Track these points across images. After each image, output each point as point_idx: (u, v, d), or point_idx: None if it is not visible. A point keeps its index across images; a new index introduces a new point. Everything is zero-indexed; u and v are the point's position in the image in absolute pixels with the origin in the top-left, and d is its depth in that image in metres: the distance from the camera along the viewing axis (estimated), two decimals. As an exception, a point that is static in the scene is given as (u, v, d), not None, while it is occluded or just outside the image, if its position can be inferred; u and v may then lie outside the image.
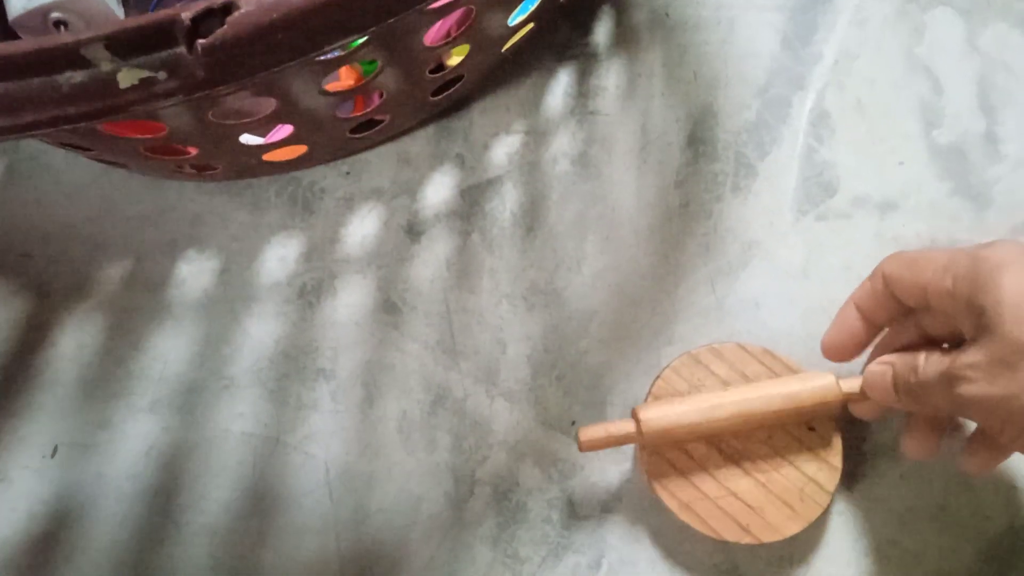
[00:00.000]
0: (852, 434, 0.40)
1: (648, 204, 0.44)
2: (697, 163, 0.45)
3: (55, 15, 0.38)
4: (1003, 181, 0.44)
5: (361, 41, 0.33)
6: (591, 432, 0.36)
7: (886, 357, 0.35)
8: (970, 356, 0.30)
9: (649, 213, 0.44)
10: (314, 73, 0.34)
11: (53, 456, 0.41)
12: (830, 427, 0.38)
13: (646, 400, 0.39)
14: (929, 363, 0.32)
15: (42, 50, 0.27)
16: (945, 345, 0.36)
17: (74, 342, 0.42)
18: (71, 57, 0.27)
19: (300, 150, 0.42)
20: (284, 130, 0.40)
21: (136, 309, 0.43)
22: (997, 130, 0.45)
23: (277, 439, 0.41)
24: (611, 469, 0.40)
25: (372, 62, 0.38)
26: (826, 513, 0.38)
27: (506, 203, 0.44)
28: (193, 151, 0.40)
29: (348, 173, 0.45)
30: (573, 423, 0.41)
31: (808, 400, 0.36)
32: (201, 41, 0.27)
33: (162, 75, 0.27)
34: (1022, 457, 0.39)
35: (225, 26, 0.27)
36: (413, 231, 0.44)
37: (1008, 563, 0.39)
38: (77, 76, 0.27)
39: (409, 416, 0.41)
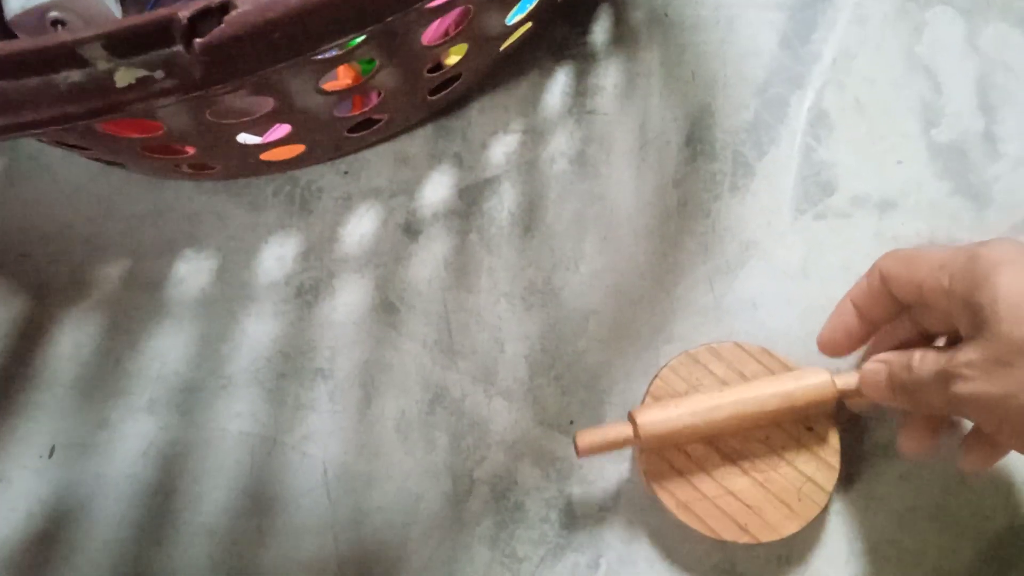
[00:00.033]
0: (850, 434, 0.40)
1: (646, 203, 0.44)
2: (695, 162, 0.45)
3: (53, 14, 0.38)
4: (1003, 180, 0.44)
5: (359, 40, 0.33)
6: (588, 437, 0.36)
7: (882, 355, 0.35)
8: (966, 354, 0.30)
9: (647, 212, 0.44)
10: (312, 72, 0.34)
11: (51, 456, 0.41)
12: (828, 426, 0.38)
13: (644, 400, 0.39)
14: (924, 361, 0.32)
15: (39, 49, 0.27)
16: (939, 343, 0.36)
17: (72, 341, 0.42)
18: (68, 56, 0.27)
19: (298, 149, 0.42)
20: (282, 129, 0.40)
21: (134, 308, 0.43)
22: (996, 129, 0.45)
23: (275, 439, 0.41)
24: (609, 469, 0.40)
25: (370, 61, 0.38)
26: (824, 513, 0.38)
27: (504, 202, 0.44)
28: (191, 150, 0.40)
29: (346, 172, 0.45)
30: (571, 422, 0.41)
31: (804, 398, 0.36)
32: (198, 40, 0.27)
33: (159, 74, 0.27)
34: (1021, 456, 0.39)
35: (222, 25, 0.27)
36: (411, 230, 0.44)
37: (1008, 563, 0.39)
38: (74, 75, 0.27)
39: (407, 416, 0.41)
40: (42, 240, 0.44)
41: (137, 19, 0.26)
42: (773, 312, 0.42)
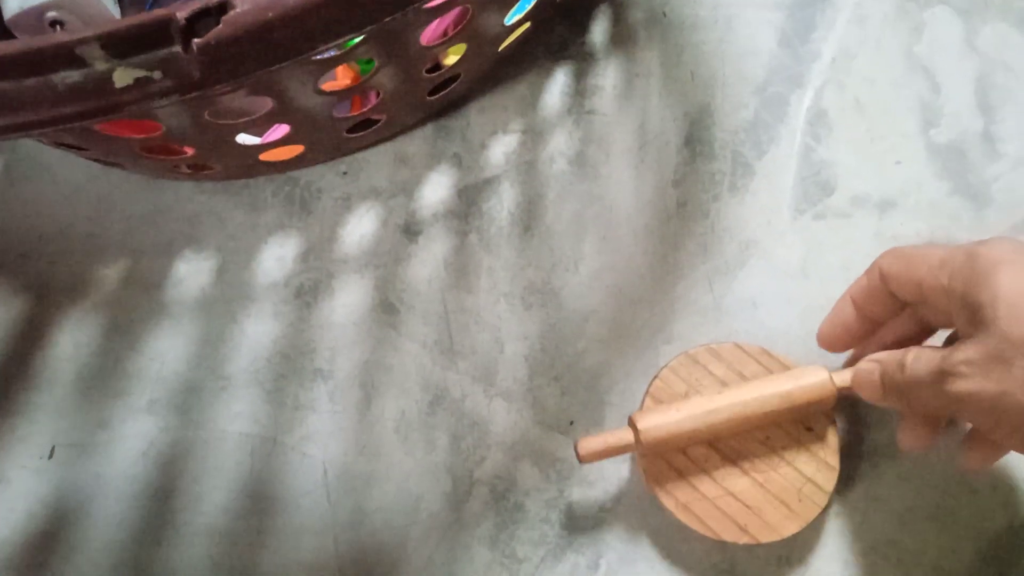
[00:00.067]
0: (850, 434, 0.40)
1: (646, 204, 0.44)
2: (695, 162, 0.45)
3: (51, 14, 0.38)
4: (1002, 180, 0.44)
5: (357, 40, 0.33)
6: (590, 444, 0.36)
7: (874, 355, 0.35)
8: (964, 352, 0.30)
9: (647, 213, 0.44)
10: (310, 72, 0.34)
11: (51, 456, 0.41)
12: (828, 427, 0.38)
13: (643, 400, 0.39)
14: (918, 361, 0.32)
15: (37, 49, 0.27)
16: (935, 341, 0.36)
17: (72, 342, 0.42)
18: (66, 57, 0.27)
19: (297, 150, 0.42)
20: (281, 130, 0.40)
21: (134, 309, 0.43)
22: (996, 129, 0.45)
23: (275, 439, 0.41)
24: (609, 469, 0.40)
25: (369, 61, 0.38)
26: (824, 513, 0.38)
27: (503, 203, 0.44)
28: (190, 151, 0.40)
29: (345, 173, 0.45)
30: (571, 423, 0.41)
31: (804, 397, 0.36)
32: (196, 40, 0.27)
33: (157, 75, 0.27)
34: (1021, 456, 0.39)
35: (220, 25, 0.27)
36: (410, 231, 0.44)
37: (1008, 563, 0.38)
38: (72, 76, 0.27)
39: (407, 416, 0.41)
40: (41, 240, 0.44)
41: (135, 19, 0.26)
42: (773, 312, 0.42)
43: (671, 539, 0.39)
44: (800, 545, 0.39)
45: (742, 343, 0.39)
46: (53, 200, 0.45)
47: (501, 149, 0.45)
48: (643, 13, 0.48)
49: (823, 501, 0.37)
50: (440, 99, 0.44)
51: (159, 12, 0.26)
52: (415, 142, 0.46)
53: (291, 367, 0.42)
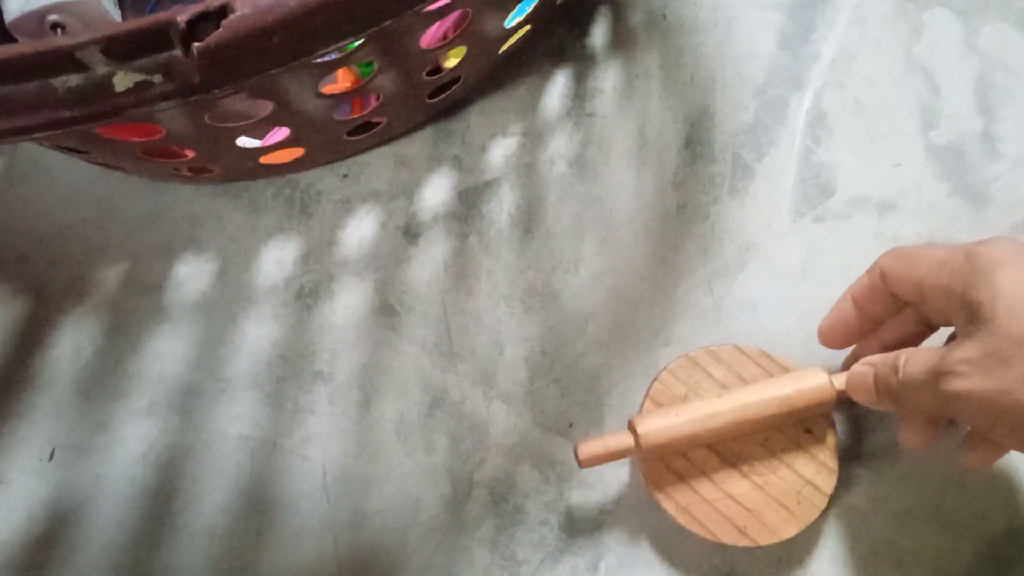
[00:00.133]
0: (849, 436, 0.40)
1: (645, 206, 0.44)
2: (694, 165, 0.45)
3: (52, 18, 0.38)
4: (1002, 180, 0.44)
5: (358, 43, 0.33)
6: (590, 448, 0.36)
7: (868, 359, 0.35)
8: (963, 351, 0.30)
9: (646, 215, 0.44)
10: (310, 75, 0.34)
11: (51, 458, 0.41)
12: (827, 429, 0.38)
13: (643, 403, 0.39)
14: (911, 362, 0.32)
15: (38, 53, 0.27)
16: (931, 340, 0.36)
17: (72, 344, 0.42)
18: (67, 60, 0.27)
19: (297, 152, 0.42)
20: (281, 132, 0.40)
21: (133, 311, 0.43)
22: (995, 130, 0.45)
23: (274, 442, 0.41)
24: (608, 472, 0.40)
25: (369, 64, 0.38)
26: (823, 515, 0.38)
27: (503, 205, 0.44)
28: (190, 154, 0.40)
29: (345, 175, 0.45)
30: (571, 425, 0.41)
31: (803, 400, 0.36)
32: (197, 44, 0.27)
33: (158, 78, 0.27)
34: (1020, 457, 0.39)
35: (220, 29, 0.27)
36: (410, 233, 0.44)
37: (1007, 563, 0.39)
38: (73, 79, 0.27)
39: (407, 418, 0.41)
40: (41, 242, 0.44)
41: (135, 23, 0.26)
42: (772, 314, 0.42)
43: (670, 542, 0.39)
44: (799, 547, 0.39)
45: (742, 345, 0.39)
46: (53, 202, 0.45)
47: (501, 151, 0.45)
48: (643, 15, 0.48)
49: (822, 503, 0.37)
50: (440, 102, 0.44)
51: (159, 16, 0.26)
52: (415, 145, 0.46)
53: (291, 369, 0.42)
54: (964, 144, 0.45)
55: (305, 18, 0.27)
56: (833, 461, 0.38)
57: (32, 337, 0.43)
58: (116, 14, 0.41)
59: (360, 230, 0.44)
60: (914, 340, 0.37)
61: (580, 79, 0.47)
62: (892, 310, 0.36)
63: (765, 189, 0.44)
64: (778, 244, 0.43)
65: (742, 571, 0.38)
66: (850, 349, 0.39)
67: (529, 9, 0.42)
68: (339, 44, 0.29)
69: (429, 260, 0.43)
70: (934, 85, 0.46)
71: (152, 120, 0.34)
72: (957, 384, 0.30)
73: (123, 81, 0.27)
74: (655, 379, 0.39)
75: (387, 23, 0.29)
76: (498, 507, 0.40)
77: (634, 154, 0.45)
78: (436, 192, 0.45)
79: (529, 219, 0.44)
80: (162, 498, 0.40)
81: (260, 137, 0.41)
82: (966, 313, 0.31)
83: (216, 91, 0.28)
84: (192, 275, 0.44)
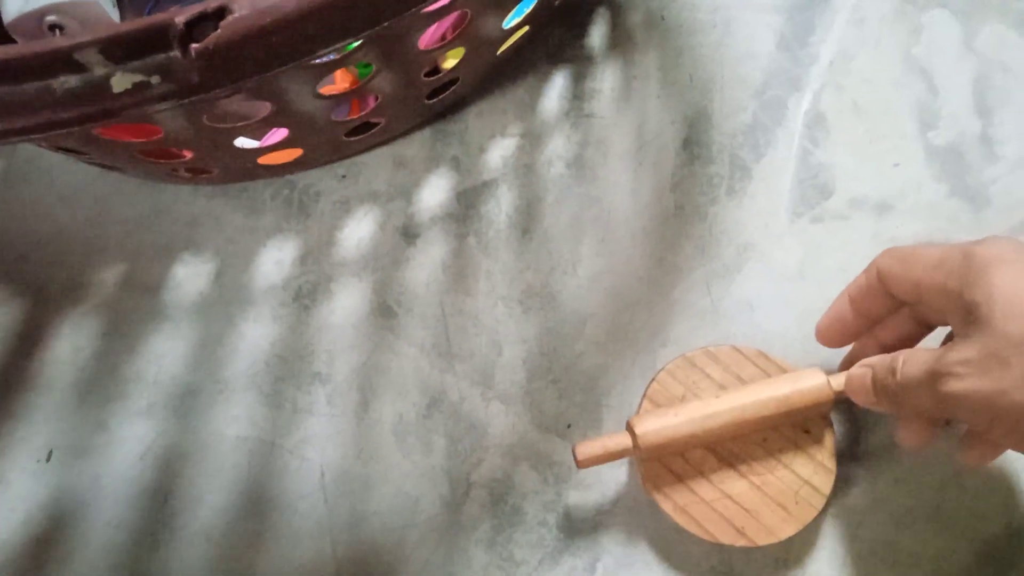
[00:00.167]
0: (847, 436, 0.40)
1: (643, 206, 0.44)
2: (692, 165, 0.45)
3: (50, 18, 0.38)
4: (1000, 182, 0.45)
5: (356, 44, 0.33)
6: (588, 449, 0.36)
7: (866, 360, 0.35)
8: (960, 352, 0.30)
9: (644, 215, 0.44)
10: (309, 77, 0.34)
11: (49, 459, 0.41)
12: (825, 429, 0.38)
13: (641, 404, 0.39)
14: (909, 363, 0.32)
15: (36, 54, 0.27)
16: (929, 340, 0.36)
17: (70, 345, 0.42)
18: (65, 61, 0.27)
19: (295, 153, 0.42)
20: (279, 133, 0.40)
21: (132, 312, 0.43)
22: (994, 131, 0.45)
23: (272, 443, 0.41)
24: (606, 472, 0.40)
25: (367, 65, 0.38)
26: (821, 515, 0.38)
27: (502, 206, 0.44)
28: (188, 154, 0.40)
29: (344, 176, 0.45)
30: (569, 426, 0.41)
31: (801, 401, 0.36)
32: (195, 45, 0.27)
33: (156, 79, 0.27)
34: (1018, 457, 0.39)
35: (219, 30, 0.27)
36: (409, 234, 0.44)
37: (1006, 563, 0.39)
38: (71, 80, 0.27)
39: (405, 419, 0.41)
40: (40, 243, 0.44)
41: (134, 24, 0.26)
42: (770, 315, 0.42)
43: (669, 542, 0.39)
44: (797, 547, 0.39)
45: (740, 346, 0.39)
46: (52, 203, 0.45)
47: (499, 152, 0.45)
48: (641, 16, 0.48)
49: (820, 503, 0.37)
50: (439, 102, 0.44)
51: (158, 17, 0.26)
52: (413, 145, 0.46)
53: (289, 370, 0.42)
54: (963, 145, 0.45)
55: (303, 19, 0.27)
56: (831, 461, 0.38)
57: (30, 338, 0.43)
58: (115, 15, 0.41)
59: (358, 231, 0.44)
60: (912, 340, 0.37)
61: (578, 80, 0.47)
62: (889, 310, 0.37)
63: (763, 190, 0.45)
64: (776, 245, 0.44)
65: (740, 571, 0.39)
66: (847, 350, 0.40)
67: (527, 10, 0.42)
68: (337, 45, 0.29)
69: (427, 261, 0.43)
70: (933, 86, 0.46)
71: (150, 121, 0.34)
72: (954, 385, 0.30)
73: (121, 82, 0.27)
74: (653, 380, 0.39)
75: (385, 24, 0.29)
76: (496, 508, 0.40)
77: (632, 155, 0.45)
78: (434, 193, 0.45)
79: (527, 220, 0.44)
80: (160, 499, 0.40)
81: (258, 138, 0.41)
82: (963, 313, 0.31)
83: (214, 92, 0.28)
84: (191, 276, 0.44)
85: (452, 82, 0.43)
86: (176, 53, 0.27)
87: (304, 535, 0.39)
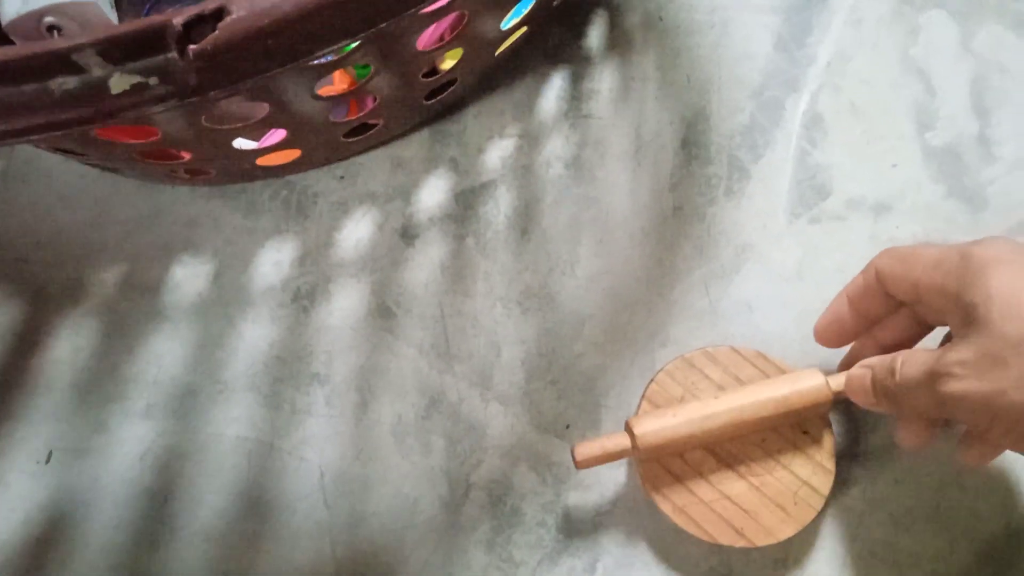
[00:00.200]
0: (846, 437, 0.40)
1: (642, 207, 0.44)
2: (690, 166, 0.45)
3: (48, 19, 0.38)
4: (998, 183, 0.45)
5: (354, 45, 0.33)
6: (586, 450, 0.36)
7: (866, 361, 0.35)
8: (958, 353, 0.30)
9: (643, 216, 0.44)
10: (307, 78, 0.34)
11: (48, 461, 0.41)
12: (824, 430, 0.38)
13: (640, 404, 0.39)
14: (909, 364, 0.32)
15: (34, 55, 0.27)
16: (928, 340, 0.36)
17: (69, 346, 0.42)
18: (63, 62, 0.27)
19: (294, 154, 0.42)
20: (277, 134, 0.40)
21: (131, 313, 0.43)
22: (991, 132, 0.45)
23: (271, 443, 0.41)
24: (605, 473, 0.40)
25: (365, 66, 0.38)
26: (820, 516, 0.38)
27: (500, 207, 0.44)
28: (187, 155, 0.40)
29: (342, 177, 0.45)
30: (567, 427, 0.41)
31: (800, 402, 0.36)
32: (193, 47, 0.27)
33: (154, 80, 0.27)
34: (1016, 457, 0.39)
35: (217, 31, 0.27)
36: (407, 235, 0.44)
37: (1005, 564, 0.39)
38: (69, 82, 0.27)
39: (403, 420, 0.41)
40: (38, 245, 0.44)
41: (131, 26, 0.26)
42: (768, 315, 0.42)
43: (668, 543, 0.39)
44: (796, 548, 0.39)
45: (738, 347, 0.39)
46: (50, 204, 0.45)
47: (498, 153, 0.45)
48: (639, 17, 0.48)
49: (819, 504, 0.37)
50: (437, 103, 0.44)
51: (156, 18, 0.26)
52: (412, 146, 0.46)
53: (288, 371, 0.42)
54: (960, 146, 0.45)
55: (301, 20, 0.27)
56: (830, 462, 0.38)
57: (29, 339, 0.43)
58: (113, 16, 0.41)
59: (357, 232, 0.44)
60: (910, 340, 0.37)
61: (576, 81, 0.47)
62: (888, 310, 0.37)
63: (761, 191, 0.45)
64: (774, 245, 0.44)
65: (739, 572, 0.39)
66: (846, 350, 0.40)
67: (526, 11, 0.42)
68: (335, 46, 0.29)
69: (426, 262, 0.44)
70: (930, 87, 0.46)
71: (149, 122, 0.34)
72: (953, 386, 0.30)
73: (119, 83, 0.27)
74: (652, 380, 0.39)
75: (383, 25, 0.29)
76: (495, 509, 0.40)
77: (630, 156, 0.45)
78: (433, 194, 0.45)
79: (526, 221, 0.44)
80: (159, 500, 0.40)
81: (257, 139, 0.41)
82: (961, 314, 0.31)
83: (212, 93, 0.28)
84: (189, 277, 0.44)
85: (450, 83, 0.43)
86: (174, 54, 0.27)
87: (303, 536, 0.39)
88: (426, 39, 0.41)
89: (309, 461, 0.41)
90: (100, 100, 0.27)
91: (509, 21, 0.42)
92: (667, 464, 0.37)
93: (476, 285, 0.43)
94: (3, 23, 0.38)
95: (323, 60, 0.31)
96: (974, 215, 0.44)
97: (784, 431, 0.38)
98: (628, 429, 0.37)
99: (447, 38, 0.39)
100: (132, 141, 0.37)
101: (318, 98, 0.36)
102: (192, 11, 0.26)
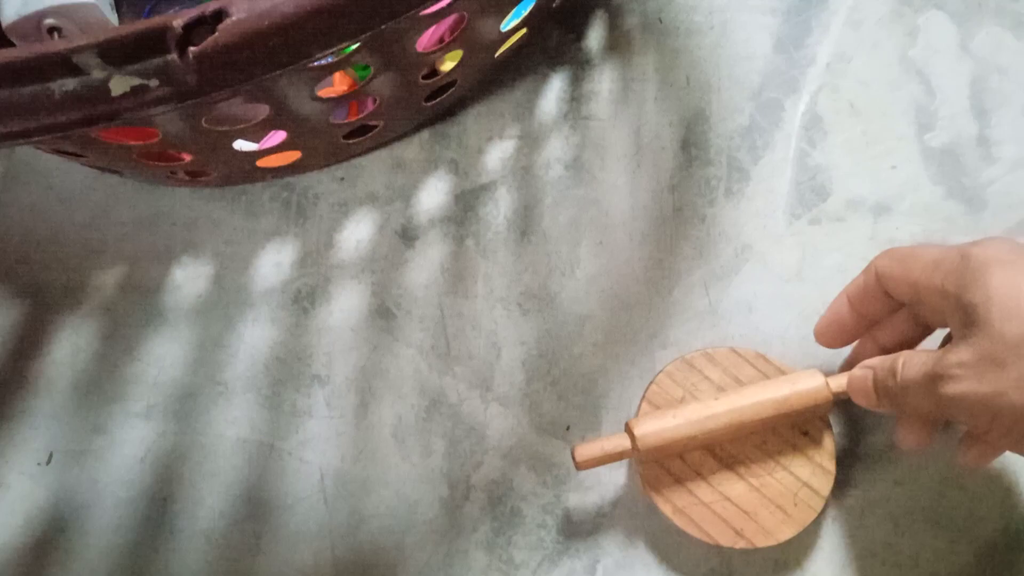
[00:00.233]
0: (846, 438, 0.40)
1: (642, 208, 0.44)
2: (690, 167, 0.45)
3: (49, 21, 0.38)
4: (997, 183, 0.45)
5: (354, 47, 0.33)
6: (587, 451, 0.36)
7: (867, 361, 0.35)
8: (958, 354, 0.30)
9: (643, 217, 0.44)
10: (307, 79, 0.34)
11: (49, 462, 0.41)
12: (824, 431, 0.38)
13: (640, 405, 0.39)
14: (909, 365, 0.32)
15: (34, 57, 0.27)
16: (928, 341, 0.36)
17: (69, 347, 0.42)
18: (63, 64, 0.27)
19: (294, 156, 0.42)
20: (278, 136, 0.40)
21: (131, 314, 0.43)
22: (990, 133, 0.45)
23: (272, 445, 0.41)
24: (606, 474, 0.40)
25: (365, 67, 0.38)
26: (820, 517, 0.38)
27: (500, 208, 0.44)
28: (187, 157, 0.40)
29: (342, 179, 0.45)
30: (568, 428, 0.41)
31: (800, 403, 0.36)
32: (193, 48, 0.27)
33: (154, 82, 0.27)
34: (1016, 458, 0.39)
35: (217, 33, 0.27)
36: (407, 236, 0.44)
37: (1005, 564, 0.39)
38: (69, 83, 0.27)
39: (404, 421, 0.41)
40: (38, 246, 0.44)
41: (132, 28, 0.26)
42: (768, 316, 0.42)
43: (668, 544, 0.39)
44: (796, 549, 0.39)
45: (738, 348, 0.40)
46: (50, 206, 0.45)
47: (498, 154, 0.45)
48: (639, 19, 0.48)
49: (819, 505, 0.37)
50: (437, 105, 0.44)
51: (156, 20, 0.26)
52: (412, 148, 0.46)
53: (288, 372, 0.42)
54: (959, 147, 0.45)
55: (301, 22, 0.27)
56: (830, 463, 0.38)
57: (29, 340, 0.43)
58: (113, 18, 0.41)
59: (357, 233, 0.44)
60: (911, 341, 0.37)
61: (576, 82, 0.47)
62: (888, 310, 0.37)
63: (761, 191, 0.45)
64: (774, 246, 0.44)
65: (739, 573, 0.39)
66: (846, 351, 0.40)
67: (525, 12, 0.42)
68: (335, 48, 0.29)
69: (426, 263, 0.44)
70: (929, 88, 0.46)
71: (149, 124, 0.34)
72: (953, 387, 0.30)
73: (119, 85, 0.27)
74: (651, 381, 0.39)
75: (383, 27, 0.29)
76: (495, 510, 0.40)
77: (630, 157, 0.45)
78: (432, 195, 0.45)
79: (525, 222, 0.44)
80: (159, 501, 0.40)
81: (257, 140, 0.41)
82: (961, 315, 0.31)
83: (212, 95, 0.28)
84: (189, 278, 0.44)
85: (450, 84, 0.43)
86: (174, 56, 0.27)
87: (303, 537, 0.39)
88: (426, 41, 0.41)
89: (309, 462, 0.41)
90: (100, 102, 0.27)
91: (509, 23, 0.42)
92: (667, 465, 0.37)
93: (476, 286, 0.43)
94: (3, 25, 0.38)
95: (323, 62, 0.31)
96: (973, 216, 0.44)
97: (784, 432, 0.38)
98: (628, 430, 0.37)
99: (447, 40, 0.39)
100: (132, 143, 0.37)
101: (318, 100, 0.36)
102: (192, 13, 0.26)
